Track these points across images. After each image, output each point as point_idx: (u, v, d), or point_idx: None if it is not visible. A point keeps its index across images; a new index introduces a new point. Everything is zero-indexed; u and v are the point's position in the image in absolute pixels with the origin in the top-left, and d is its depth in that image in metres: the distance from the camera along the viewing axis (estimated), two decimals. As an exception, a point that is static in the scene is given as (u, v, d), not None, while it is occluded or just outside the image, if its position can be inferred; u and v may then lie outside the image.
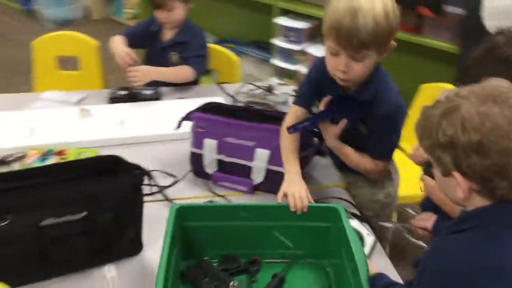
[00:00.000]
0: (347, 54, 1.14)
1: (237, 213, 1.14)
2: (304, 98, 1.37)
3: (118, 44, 1.91)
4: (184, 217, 1.11)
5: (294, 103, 1.38)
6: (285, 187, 1.22)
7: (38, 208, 1.00)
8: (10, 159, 1.47)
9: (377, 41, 1.12)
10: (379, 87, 1.24)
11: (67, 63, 2.37)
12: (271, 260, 1.17)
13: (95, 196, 1.05)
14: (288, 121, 1.34)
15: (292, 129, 1.27)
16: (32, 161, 1.47)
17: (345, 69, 1.16)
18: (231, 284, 1.05)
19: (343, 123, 1.28)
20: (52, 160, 1.47)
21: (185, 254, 1.14)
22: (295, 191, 1.18)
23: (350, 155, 1.34)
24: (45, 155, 1.49)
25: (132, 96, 1.88)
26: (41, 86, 2.25)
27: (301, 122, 1.28)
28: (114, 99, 1.89)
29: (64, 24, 4.46)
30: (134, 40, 1.97)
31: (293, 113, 1.36)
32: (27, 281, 1.02)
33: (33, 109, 1.81)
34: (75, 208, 1.02)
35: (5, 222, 0.96)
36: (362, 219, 1.32)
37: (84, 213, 1.03)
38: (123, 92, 1.90)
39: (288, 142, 1.32)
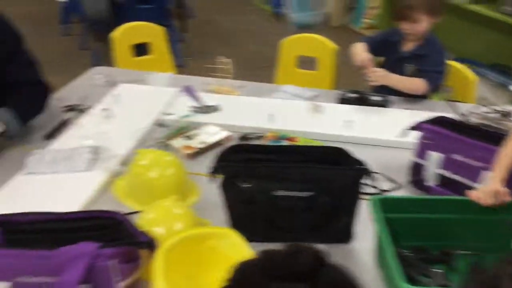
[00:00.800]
0: None
1: (431, 206, 1.19)
2: None
3: (359, 49, 2.02)
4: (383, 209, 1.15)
5: None
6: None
7: (273, 179, 1.16)
8: (251, 136, 1.72)
9: None
10: None
11: (305, 62, 2.59)
12: (461, 252, 1.19)
13: (321, 180, 1.16)
14: None
15: None
16: (268, 142, 1.68)
17: None
18: (435, 271, 1.09)
19: None
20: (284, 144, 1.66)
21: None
22: (482, 198, 1.17)
23: None
24: (279, 138, 1.69)
25: (361, 100, 1.97)
26: (281, 79, 2.51)
27: None
28: (343, 100, 2.00)
29: (305, 27, 4.84)
30: (374, 48, 2.04)
31: None
32: (256, 239, 1.11)
33: (273, 98, 2.05)
34: (303, 186, 1.15)
35: (248, 185, 1.15)
36: None
37: (310, 193, 1.15)
38: (353, 95, 2.00)
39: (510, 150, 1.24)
